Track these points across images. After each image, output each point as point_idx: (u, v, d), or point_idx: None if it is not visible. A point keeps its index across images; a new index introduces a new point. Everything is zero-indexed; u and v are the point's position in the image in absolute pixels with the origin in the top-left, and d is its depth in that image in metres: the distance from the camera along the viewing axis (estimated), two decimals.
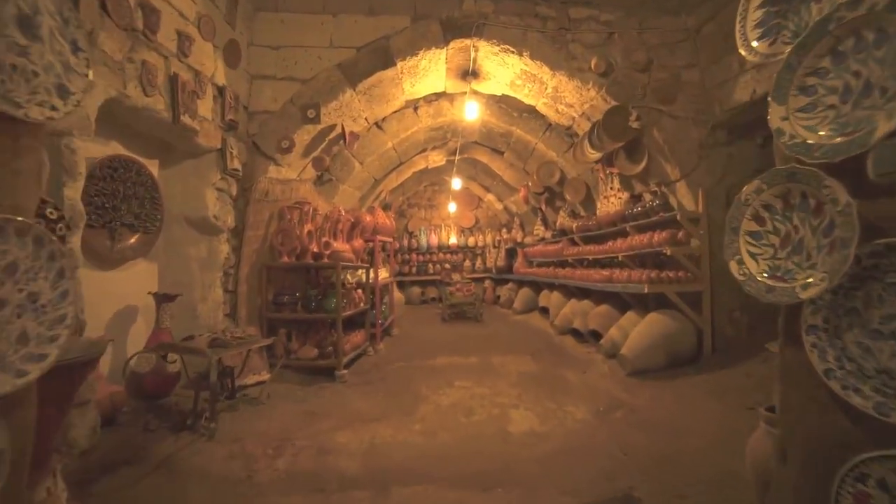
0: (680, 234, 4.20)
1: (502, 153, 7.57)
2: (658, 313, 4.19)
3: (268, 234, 4.36)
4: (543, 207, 8.02)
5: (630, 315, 4.72)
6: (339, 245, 4.62)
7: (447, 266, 10.42)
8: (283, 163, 4.42)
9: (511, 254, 10.19)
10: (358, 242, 5.16)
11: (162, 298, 3.18)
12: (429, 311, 9.17)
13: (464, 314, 8.01)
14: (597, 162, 5.35)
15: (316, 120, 4.24)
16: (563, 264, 7.18)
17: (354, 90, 4.48)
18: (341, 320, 4.13)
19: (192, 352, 2.57)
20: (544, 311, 7.40)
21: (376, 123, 5.88)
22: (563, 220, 7.08)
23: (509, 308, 9.06)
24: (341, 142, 4.97)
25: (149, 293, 3.20)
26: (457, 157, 7.87)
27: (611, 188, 5.62)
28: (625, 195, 5.25)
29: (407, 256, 11.14)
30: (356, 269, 5.28)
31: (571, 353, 5.05)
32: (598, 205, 6.01)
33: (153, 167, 3.42)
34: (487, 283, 10.62)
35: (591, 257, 5.93)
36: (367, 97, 4.72)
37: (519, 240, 9.54)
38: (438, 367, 4.56)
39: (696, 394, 3.36)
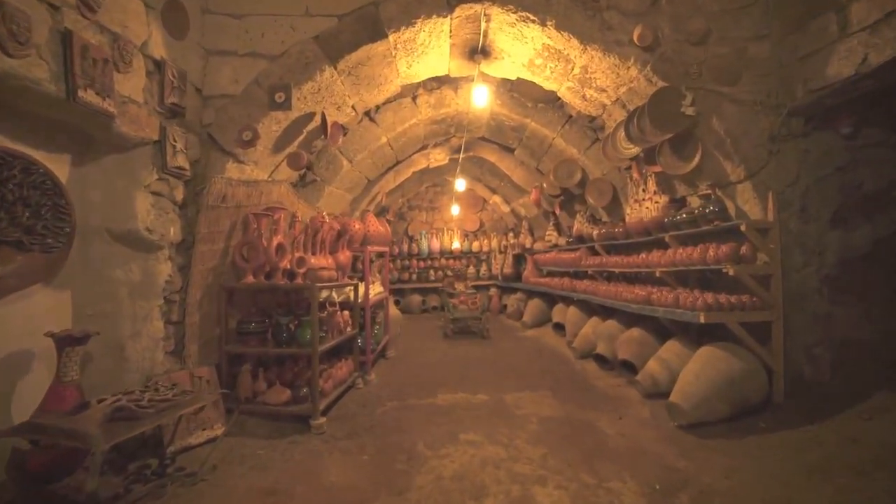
0: (743, 249, 3.35)
1: (513, 150, 6.71)
2: (715, 347, 3.33)
3: (229, 249, 3.52)
4: (558, 211, 7.18)
5: (673, 345, 3.89)
6: (318, 260, 3.76)
7: (450, 273, 9.59)
8: (246, 159, 3.56)
9: (519, 260, 9.38)
10: (344, 255, 4.31)
11: (64, 341, 2.32)
12: (430, 323, 8.41)
13: (468, 329, 7.17)
14: (632, 159, 4.47)
15: (286, 105, 3.38)
16: (580, 275, 6.37)
17: (336, 69, 3.62)
18: (318, 355, 3.29)
19: (72, 437, 1.72)
20: (558, 326, 6.60)
21: (367, 114, 5.04)
22: (580, 225, 6.26)
23: (518, 320, 8.26)
24: (323, 135, 4.11)
25: (46, 334, 2.35)
26: (461, 156, 7.03)
27: (644, 190, 4.75)
28: (663, 199, 4.38)
29: (407, 262, 10.43)
30: (341, 287, 4.43)
31: (598, 386, 4.26)
32: (628, 210, 5.14)
33: (60, 164, 2.55)
34: (493, 290, 9.81)
35: (616, 270, 5.10)
36: (352, 79, 3.85)
37: (528, 245, 8.71)
38: (440, 408, 3.74)
39: (788, 467, 2.51)
